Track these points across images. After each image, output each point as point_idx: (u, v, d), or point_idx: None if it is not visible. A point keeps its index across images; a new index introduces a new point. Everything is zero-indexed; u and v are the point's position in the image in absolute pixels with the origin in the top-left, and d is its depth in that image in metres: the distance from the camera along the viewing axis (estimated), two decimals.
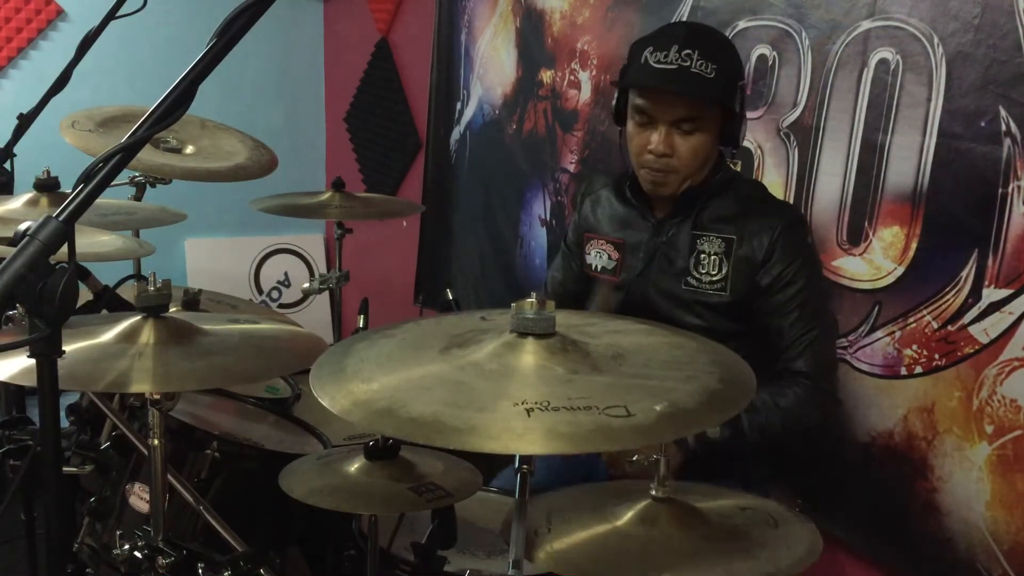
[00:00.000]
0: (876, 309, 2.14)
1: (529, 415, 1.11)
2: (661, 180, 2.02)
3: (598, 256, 2.18)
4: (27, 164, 2.70)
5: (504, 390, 1.17)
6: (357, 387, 1.23)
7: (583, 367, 1.23)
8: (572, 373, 1.21)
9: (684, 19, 2.59)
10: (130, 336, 1.58)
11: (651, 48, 1.94)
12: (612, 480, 2.00)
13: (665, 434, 1.17)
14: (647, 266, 2.08)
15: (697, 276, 2.02)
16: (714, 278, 2.00)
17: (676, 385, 1.21)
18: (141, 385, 1.52)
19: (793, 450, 2.13)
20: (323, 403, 1.22)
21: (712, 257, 2.00)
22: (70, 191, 1.15)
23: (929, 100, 1.99)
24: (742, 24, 2.42)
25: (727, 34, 2.44)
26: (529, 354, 1.23)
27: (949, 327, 1.98)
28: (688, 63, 1.90)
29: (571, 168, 3.16)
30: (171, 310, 1.65)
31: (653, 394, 1.17)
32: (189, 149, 2.83)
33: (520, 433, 1.09)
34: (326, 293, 2.82)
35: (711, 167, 2.04)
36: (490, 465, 1.97)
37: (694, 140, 1.97)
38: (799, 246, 2.00)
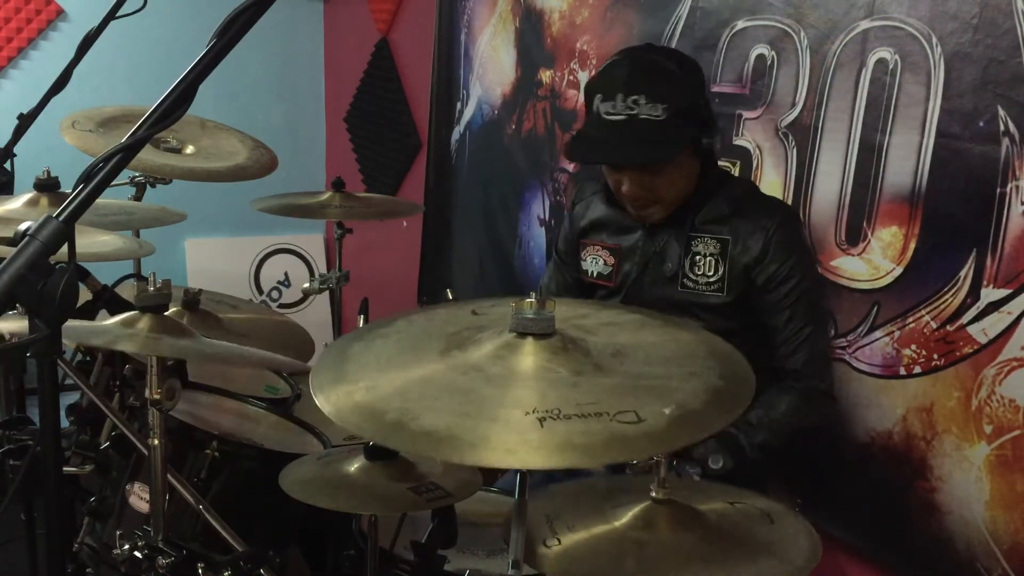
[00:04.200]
0: (875, 309, 2.14)
1: (542, 425, 1.10)
2: (647, 215, 2.02)
3: (594, 262, 2.17)
4: (27, 164, 2.71)
5: (512, 397, 1.16)
6: (362, 396, 1.21)
7: (586, 367, 1.22)
8: (576, 375, 1.20)
9: (683, 19, 2.60)
10: (128, 324, 1.59)
11: (600, 95, 1.90)
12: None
13: (677, 440, 1.16)
14: (642, 271, 2.08)
15: (693, 278, 2.01)
16: (711, 279, 2.00)
17: (680, 384, 1.21)
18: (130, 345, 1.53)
19: (793, 450, 2.13)
20: (328, 415, 1.19)
21: (708, 258, 2.00)
22: (70, 191, 1.15)
23: (927, 100, 1.99)
24: (741, 24, 2.43)
25: (726, 34, 2.45)
26: (530, 355, 1.22)
27: (948, 327, 1.98)
28: (635, 109, 1.85)
29: (570, 168, 3.17)
30: (171, 310, 1.66)
31: (659, 396, 1.17)
32: (189, 149, 2.84)
33: (537, 446, 1.08)
34: (326, 293, 2.82)
35: (703, 170, 2.02)
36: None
37: (668, 176, 1.95)
38: (793, 243, 1.99)
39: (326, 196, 2.88)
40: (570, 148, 2.04)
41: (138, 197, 3.01)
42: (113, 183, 1.18)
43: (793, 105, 2.31)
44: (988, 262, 1.90)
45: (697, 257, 2.01)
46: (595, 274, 2.17)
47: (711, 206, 2.02)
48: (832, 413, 2.13)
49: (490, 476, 1.95)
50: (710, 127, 1.97)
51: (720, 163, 2.20)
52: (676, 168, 1.96)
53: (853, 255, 2.18)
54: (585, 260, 2.20)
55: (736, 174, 2.42)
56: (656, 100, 1.85)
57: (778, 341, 1.97)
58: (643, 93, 1.85)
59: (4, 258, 1.09)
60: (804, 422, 1.98)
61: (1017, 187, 1.84)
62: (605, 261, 2.15)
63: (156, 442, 1.61)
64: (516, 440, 1.09)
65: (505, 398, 1.16)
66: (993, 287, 1.89)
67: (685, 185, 2.00)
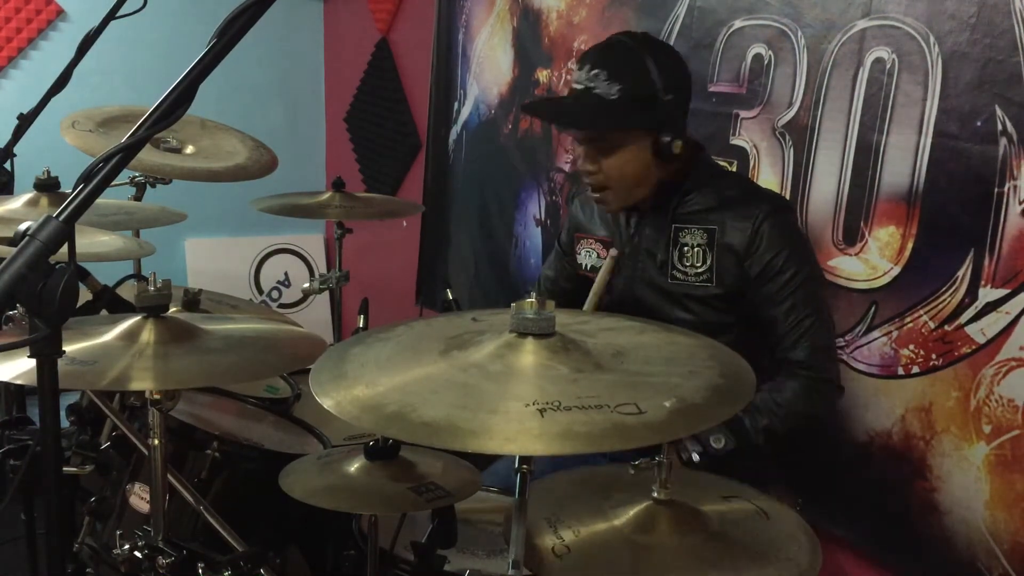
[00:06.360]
0: (872, 309, 2.14)
1: (543, 415, 1.10)
2: (599, 198, 2.05)
3: (588, 255, 2.19)
4: (27, 164, 2.71)
5: (512, 391, 1.16)
6: (362, 391, 1.21)
7: (586, 366, 1.22)
8: (577, 372, 1.20)
9: (680, 18, 2.60)
10: (130, 336, 1.58)
11: (578, 63, 1.97)
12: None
13: (678, 430, 1.16)
14: (631, 262, 2.09)
15: (682, 269, 2.01)
16: (699, 270, 2.00)
17: (680, 381, 1.21)
18: (142, 383, 1.52)
19: (793, 449, 2.14)
20: (328, 408, 1.20)
21: (695, 249, 2.00)
22: (70, 191, 1.15)
23: (925, 99, 2.00)
24: (738, 23, 2.43)
25: (723, 34, 2.46)
26: (530, 354, 1.23)
27: (946, 327, 1.99)
28: (594, 84, 1.92)
29: (566, 167, 3.17)
30: (171, 310, 1.66)
31: (660, 390, 1.17)
32: (189, 149, 2.84)
33: (537, 434, 1.08)
34: (326, 293, 2.82)
35: (690, 164, 2.03)
36: (485, 460, 1.98)
37: (617, 158, 1.97)
38: (786, 233, 1.96)
39: (326, 196, 2.88)
40: (528, 103, 2.09)
41: (138, 197, 3.01)
42: (113, 183, 1.18)
43: (790, 105, 2.31)
44: (986, 262, 1.90)
45: (685, 248, 2.01)
46: (588, 267, 2.19)
47: (698, 197, 2.01)
48: (836, 406, 2.12)
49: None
50: (670, 126, 1.94)
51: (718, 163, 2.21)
52: (627, 156, 1.96)
53: (850, 255, 2.18)
54: (579, 253, 2.22)
55: None
56: (615, 79, 1.90)
57: (779, 333, 1.95)
58: (606, 69, 1.91)
59: (4, 258, 1.10)
60: (810, 409, 1.96)
61: (1015, 187, 1.85)
62: (598, 254, 2.17)
63: (156, 442, 1.61)
64: (516, 428, 1.10)
65: (505, 392, 1.16)
66: (991, 287, 1.90)
67: (635, 173, 1.99)
